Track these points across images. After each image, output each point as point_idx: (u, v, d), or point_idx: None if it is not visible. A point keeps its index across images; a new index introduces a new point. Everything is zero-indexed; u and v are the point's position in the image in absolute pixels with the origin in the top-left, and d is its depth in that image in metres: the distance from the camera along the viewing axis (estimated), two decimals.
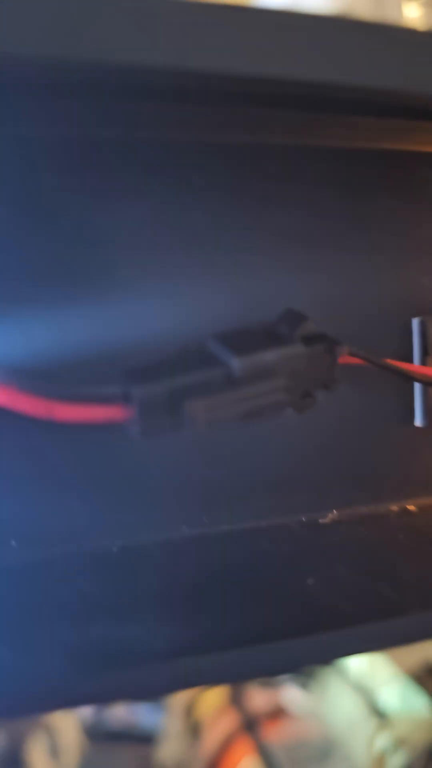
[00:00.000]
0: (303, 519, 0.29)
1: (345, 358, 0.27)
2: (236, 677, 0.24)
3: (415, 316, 0.30)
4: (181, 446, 0.27)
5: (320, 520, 0.29)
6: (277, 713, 1.09)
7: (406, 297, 0.31)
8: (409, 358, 0.31)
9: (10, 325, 0.25)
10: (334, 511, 0.29)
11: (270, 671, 0.24)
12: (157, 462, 0.28)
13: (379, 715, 0.91)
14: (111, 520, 0.27)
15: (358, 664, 0.97)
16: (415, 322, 0.30)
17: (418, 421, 0.31)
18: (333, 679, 1.03)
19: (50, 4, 0.19)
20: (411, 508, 0.31)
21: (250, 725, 1.03)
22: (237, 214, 0.28)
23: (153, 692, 0.25)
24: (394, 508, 0.31)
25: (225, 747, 1.07)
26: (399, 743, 0.86)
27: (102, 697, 0.22)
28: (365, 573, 0.27)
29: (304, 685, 1.08)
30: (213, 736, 1.09)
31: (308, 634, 0.23)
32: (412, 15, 0.64)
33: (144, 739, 1.21)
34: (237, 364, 0.24)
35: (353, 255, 0.30)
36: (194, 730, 1.13)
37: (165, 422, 0.23)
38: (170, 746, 1.16)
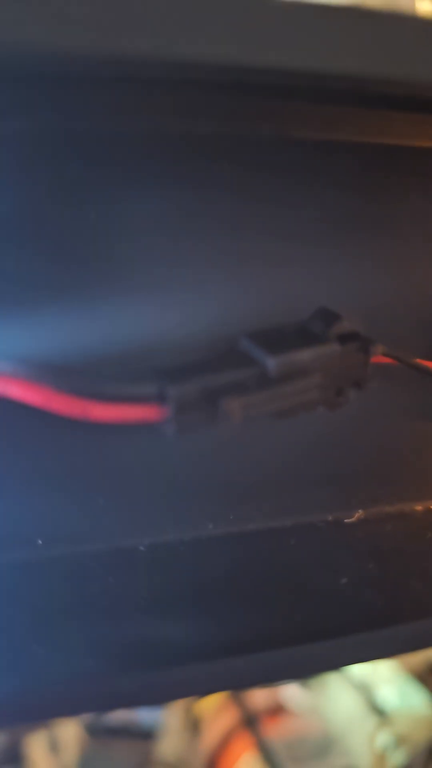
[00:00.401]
0: (329, 518, 0.29)
1: (376, 357, 0.27)
2: (273, 678, 0.24)
3: None
4: (208, 444, 0.27)
5: (346, 520, 0.29)
6: (277, 710, 1.09)
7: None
8: None
9: (34, 321, 0.25)
10: (360, 511, 0.29)
11: (308, 672, 0.24)
12: (183, 460, 0.28)
13: (379, 712, 0.91)
14: (138, 518, 0.27)
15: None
16: None
17: None
18: (333, 677, 1.03)
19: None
20: None
21: (250, 721, 1.03)
22: (260, 210, 0.28)
23: (189, 692, 0.25)
24: (419, 507, 0.30)
25: (225, 743, 1.07)
26: (399, 741, 0.86)
27: (137, 698, 0.22)
28: (397, 572, 0.27)
29: (304, 682, 1.08)
30: (213, 732, 1.09)
31: (346, 634, 0.22)
32: (425, 6, 0.64)
33: (143, 735, 1.21)
34: (272, 362, 0.24)
35: (382, 254, 0.29)
36: (194, 726, 1.13)
37: (199, 421, 0.23)
38: (170, 742, 1.16)
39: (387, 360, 0.27)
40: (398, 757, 0.85)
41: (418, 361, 0.28)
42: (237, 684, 0.23)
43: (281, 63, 0.21)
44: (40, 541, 0.26)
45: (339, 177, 0.28)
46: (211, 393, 0.23)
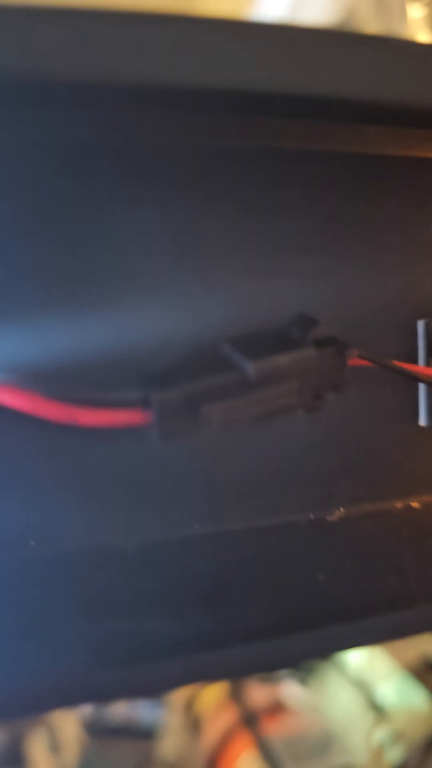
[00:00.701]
0: (311, 516, 0.30)
1: (353, 360, 0.28)
2: (253, 669, 0.25)
3: (419, 318, 0.31)
4: (191, 446, 0.28)
5: (328, 517, 0.30)
6: (277, 708, 1.10)
7: (411, 299, 0.31)
8: (413, 360, 0.32)
9: (23, 329, 0.26)
10: (341, 509, 0.30)
11: (286, 662, 0.25)
12: (168, 462, 0.29)
13: (377, 709, 0.92)
14: (125, 518, 0.28)
15: (356, 658, 0.98)
16: (420, 324, 0.31)
17: (423, 421, 0.31)
18: (332, 674, 1.04)
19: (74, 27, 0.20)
20: (415, 505, 0.32)
21: (250, 720, 1.03)
22: (246, 220, 0.29)
23: (172, 684, 0.26)
24: (399, 505, 0.31)
25: (225, 741, 1.07)
26: (397, 737, 0.87)
27: (124, 691, 0.23)
28: (372, 567, 0.28)
29: (303, 680, 1.08)
30: (213, 730, 1.10)
31: (320, 626, 0.23)
32: (416, 16, 0.65)
33: (144, 734, 1.22)
34: (251, 367, 0.25)
35: (358, 259, 0.30)
36: (194, 724, 1.14)
37: (182, 425, 0.24)
38: (170, 741, 1.16)
39: (363, 363, 0.28)
40: (395, 753, 0.86)
41: (394, 362, 0.29)
42: (223, 675, 0.24)
43: (272, 87, 0.22)
44: (32, 542, 0.27)
45: (312, 185, 0.29)
46: (193, 398, 0.24)
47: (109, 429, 0.23)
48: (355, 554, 0.28)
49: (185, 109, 0.26)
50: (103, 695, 0.24)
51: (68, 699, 0.22)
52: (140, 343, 0.27)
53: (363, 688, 0.96)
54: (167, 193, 0.28)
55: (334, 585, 0.26)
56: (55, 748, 1.22)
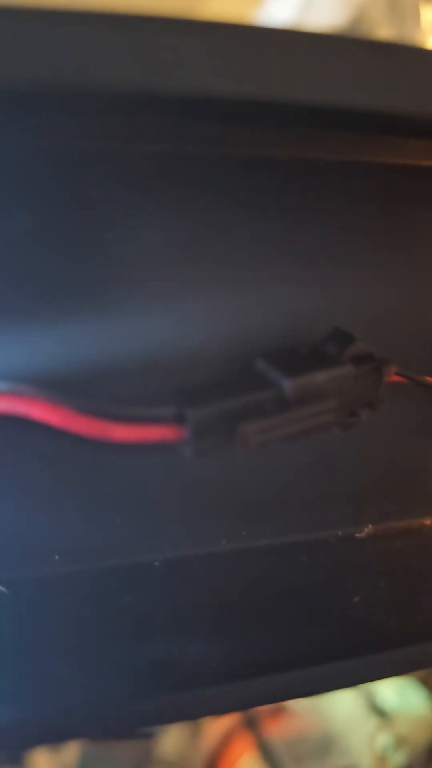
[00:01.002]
0: (339, 533, 0.29)
1: (393, 379, 0.27)
2: (289, 697, 0.24)
3: None
4: (222, 461, 0.27)
5: (356, 534, 0.29)
6: (278, 710, 1.10)
7: None
8: None
9: (48, 339, 0.25)
10: (370, 526, 0.30)
11: (321, 691, 0.25)
12: (196, 477, 0.28)
13: (379, 713, 0.91)
14: (152, 534, 0.28)
15: None
16: None
17: None
18: None
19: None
20: None
21: (251, 721, 1.03)
22: (276, 230, 0.28)
23: (206, 713, 0.25)
24: (428, 522, 0.31)
25: (225, 742, 1.07)
26: (399, 742, 0.87)
27: (161, 718, 0.22)
28: (406, 589, 0.27)
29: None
30: (213, 731, 1.09)
31: (360, 655, 0.23)
32: (430, 18, 0.64)
33: (143, 734, 1.22)
34: (289, 386, 0.24)
35: (389, 272, 0.30)
36: (194, 725, 1.14)
37: (217, 443, 0.23)
38: (170, 742, 1.16)
39: (399, 379, 0.27)
40: (398, 758, 0.85)
41: (428, 378, 0.28)
42: (253, 703, 0.23)
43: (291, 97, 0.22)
44: (56, 557, 0.27)
45: (344, 196, 0.28)
46: (228, 416, 0.23)
47: (142, 445, 0.23)
48: (389, 573, 0.28)
49: (213, 119, 0.25)
50: (136, 723, 0.23)
51: (102, 727, 0.22)
52: (171, 355, 0.26)
53: (364, 691, 0.96)
54: (193, 203, 0.27)
55: (367, 609, 0.26)
56: (55, 748, 1.22)
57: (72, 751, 1.19)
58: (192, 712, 0.22)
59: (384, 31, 0.75)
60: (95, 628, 0.24)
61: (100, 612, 0.25)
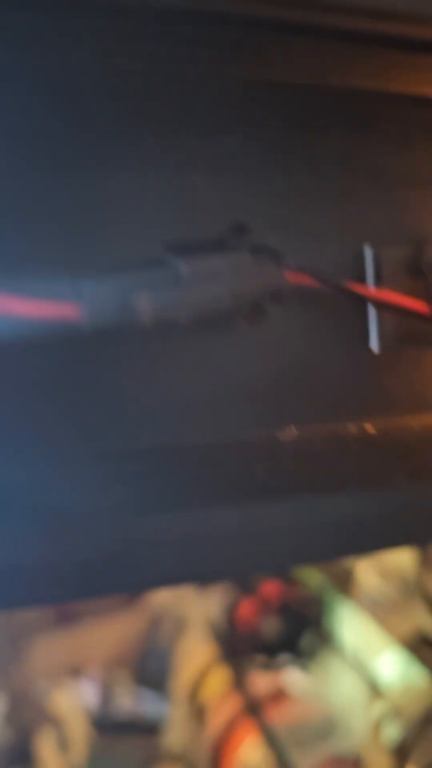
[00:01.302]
0: (262, 435, 0.30)
1: (298, 278, 0.28)
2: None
3: (365, 243, 0.32)
4: (156, 363, 0.29)
5: (278, 435, 0.30)
6: (279, 695, 1.10)
7: (357, 226, 0.32)
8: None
9: None
10: (292, 427, 0.31)
11: None
12: (130, 380, 0.29)
13: (375, 687, 0.92)
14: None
15: (352, 636, 0.98)
16: (367, 249, 0.32)
17: (374, 346, 0.32)
18: (332, 660, 1.05)
19: None
20: (367, 426, 0.32)
21: (253, 708, 1.04)
22: (190, 143, 0.29)
23: None
24: (352, 428, 0.32)
25: (229, 730, 1.08)
26: (394, 714, 0.87)
27: None
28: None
29: (305, 667, 1.09)
30: (217, 720, 1.10)
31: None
32: None
33: (150, 729, 1.22)
34: (183, 265, 0.25)
35: (306, 184, 0.31)
36: (199, 715, 1.15)
37: (115, 319, 0.25)
38: (176, 733, 1.17)
39: (308, 281, 0.28)
40: (394, 729, 0.86)
41: (346, 284, 0.30)
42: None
43: None
44: None
45: (264, 115, 0.30)
46: (124, 291, 0.24)
47: (44, 320, 0.24)
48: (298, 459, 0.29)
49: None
50: None
51: None
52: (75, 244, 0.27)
53: (361, 668, 0.96)
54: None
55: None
56: (63, 745, 1.22)
57: (80, 748, 1.20)
58: None
59: None
60: None
61: None
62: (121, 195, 0.28)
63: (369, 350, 0.33)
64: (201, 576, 0.31)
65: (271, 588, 1.07)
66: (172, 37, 0.28)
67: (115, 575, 0.27)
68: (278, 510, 0.29)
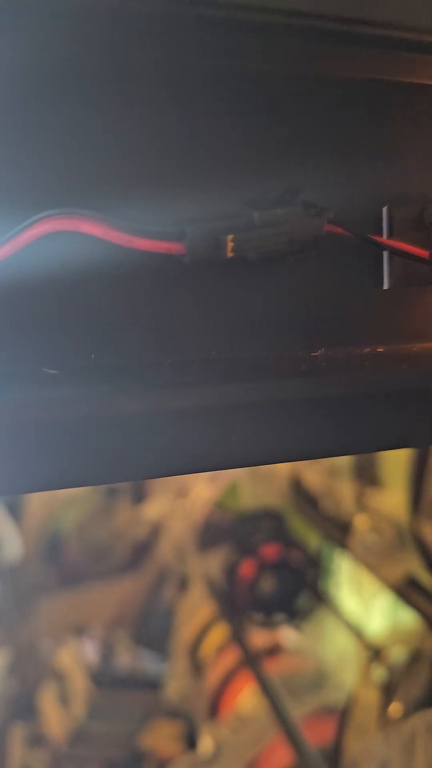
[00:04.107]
0: (299, 353, 0.42)
1: (330, 227, 0.40)
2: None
3: (383, 204, 0.43)
4: (207, 290, 0.40)
5: (312, 353, 0.42)
6: (275, 650, 1.19)
7: (377, 189, 0.44)
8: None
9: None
10: (323, 348, 0.42)
11: None
12: (196, 302, 0.40)
13: (366, 632, 1.01)
14: (163, 341, 0.40)
15: (347, 583, 1.07)
16: (384, 208, 0.43)
17: (386, 284, 0.43)
18: (327, 619, 1.13)
19: None
20: (380, 350, 0.44)
21: (250, 661, 1.13)
22: (252, 129, 0.41)
23: None
24: (367, 350, 0.44)
25: (227, 681, 1.17)
26: (383, 655, 0.96)
27: None
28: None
29: (300, 625, 1.18)
30: (216, 671, 1.19)
31: None
32: None
33: (150, 684, 1.32)
34: (257, 215, 0.37)
35: (339, 159, 0.43)
36: (197, 669, 1.24)
37: (206, 252, 0.36)
38: (175, 684, 1.26)
39: (338, 230, 0.40)
40: (382, 670, 0.95)
41: (368, 234, 0.41)
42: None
43: None
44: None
45: (301, 105, 0.41)
46: (215, 233, 0.36)
47: (157, 256, 0.35)
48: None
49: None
50: None
51: None
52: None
53: (354, 617, 1.04)
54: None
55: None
56: (64, 700, 1.32)
57: (81, 702, 1.29)
58: None
59: None
60: None
61: None
62: (218, 170, 0.39)
63: (381, 288, 0.44)
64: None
65: (270, 549, 1.15)
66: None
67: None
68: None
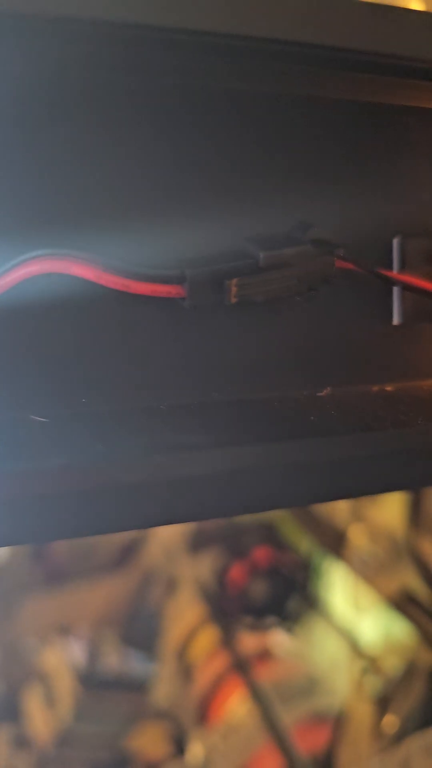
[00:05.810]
0: (304, 393, 0.40)
1: (340, 263, 0.37)
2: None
3: (395, 236, 0.41)
4: (209, 329, 0.38)
5: (317, 393, 0.40)
6: (265, 655, 1.18)
7: (388, 222, 0.41)
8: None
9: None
10: (329, 388, 0.40)
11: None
12: (197, 343, 0.38)
13: (360, 644, 1.00)
14: (159, 384, 0.38)
15: (340, 595, 1.06)
16: (395, 241, 0.41)
17: (396, 320, 0.41)
18: (317, 623, 1.12)
19: None
20: (388, 388, 0.41)
21: (240, 666, 1.12)
22: (257, 157, 0.38)
23: None
24: (375, 388, 0.41)
25: (216, 686, 1.15)
26: (377, 668, 0.95)
27: None
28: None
29: (291, 630, 1.17)
30: (205, 676, 1.18)
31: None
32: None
33: (136, 686, 1.31)
34: (262, 256, 0.34)
35: (348, 188, 0.40)
36: (186, 672, 1.22)
37: (207, 297, 0.34)
38: (163, 689, 1.24)
39: (348, 266, 0.38)
40: (376, 683, 0.94)
41: (379, 270, 0.39)
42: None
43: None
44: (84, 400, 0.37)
45: (312, 128, 0.39)
46: (217, 276, 0.34)
47: (154, 297, 0.33)
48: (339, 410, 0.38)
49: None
50: None
51: None
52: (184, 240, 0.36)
53: (347, 628, 1.03)
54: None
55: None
56: (50, 701, 1.30)
57: (67, 704, 1.27)
58: None
59: None
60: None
61: None
62: (222, 209, 0.37)
63: (392, 324, 0.42)
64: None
65: (261, 552, 1.14)
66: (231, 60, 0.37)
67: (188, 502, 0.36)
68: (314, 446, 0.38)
